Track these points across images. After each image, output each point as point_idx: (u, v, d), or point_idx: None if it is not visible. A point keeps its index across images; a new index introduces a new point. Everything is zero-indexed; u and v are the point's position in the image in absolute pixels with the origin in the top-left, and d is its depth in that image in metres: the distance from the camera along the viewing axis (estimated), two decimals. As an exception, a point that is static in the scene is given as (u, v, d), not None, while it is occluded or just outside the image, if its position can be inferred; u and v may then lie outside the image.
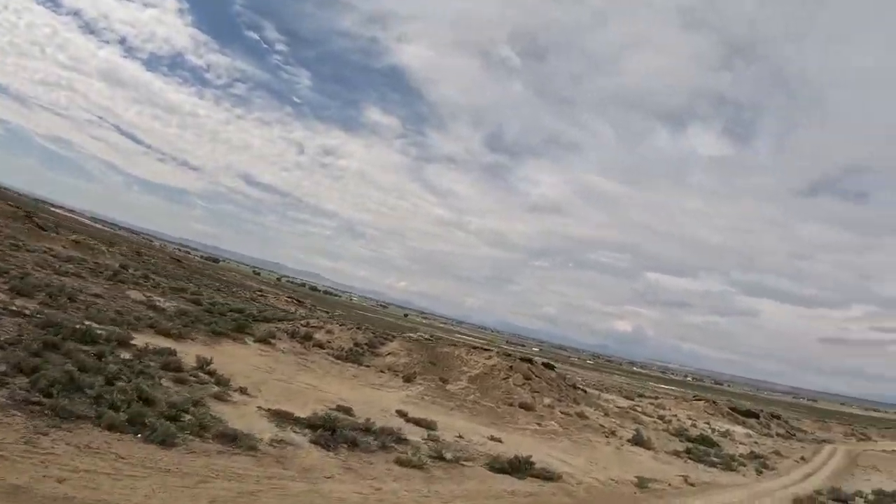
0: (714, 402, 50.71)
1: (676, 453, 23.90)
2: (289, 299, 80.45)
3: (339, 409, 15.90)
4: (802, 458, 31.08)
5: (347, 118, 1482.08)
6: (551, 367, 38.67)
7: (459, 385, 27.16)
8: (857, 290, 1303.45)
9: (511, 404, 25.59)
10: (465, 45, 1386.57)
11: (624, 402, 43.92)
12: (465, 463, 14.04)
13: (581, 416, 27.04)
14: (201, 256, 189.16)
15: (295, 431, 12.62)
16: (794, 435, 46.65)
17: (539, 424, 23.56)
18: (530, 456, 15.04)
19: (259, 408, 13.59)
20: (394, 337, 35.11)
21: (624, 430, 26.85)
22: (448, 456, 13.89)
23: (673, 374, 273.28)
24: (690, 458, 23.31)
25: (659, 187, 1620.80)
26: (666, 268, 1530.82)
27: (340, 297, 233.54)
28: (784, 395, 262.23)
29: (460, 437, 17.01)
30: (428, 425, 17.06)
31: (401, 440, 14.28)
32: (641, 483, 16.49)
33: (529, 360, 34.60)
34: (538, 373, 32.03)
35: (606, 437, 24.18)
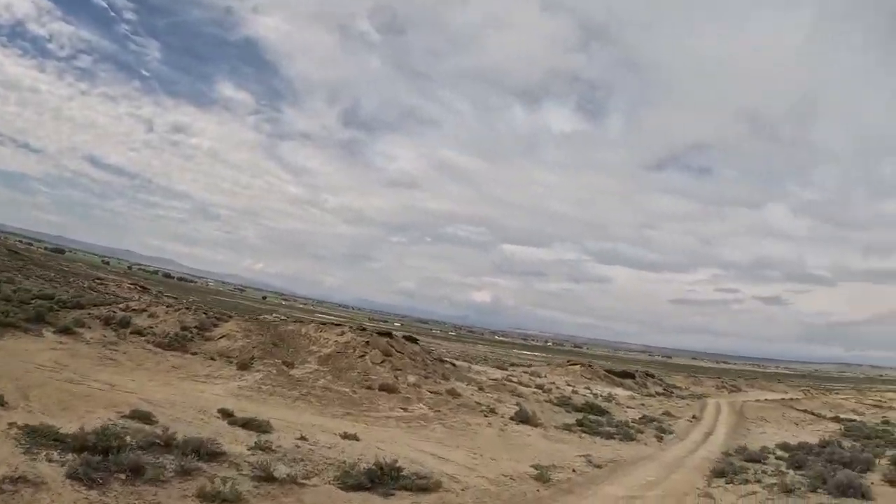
0: (590, 366, 51.35)
1: (567, 427, 22.46)
2: (132, 286, 78.69)
3: (135, 415, 12.43)
4: (694, 417, 31.91)
5: (199, 93, 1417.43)
6: (414, 341, 36.79)
7: (307, 368, 25.56)
8: (701, 256, 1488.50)
9: (370, 387, 23.78)
10: (324, 18, 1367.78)
11: (497, 374, 42.78)
12: (305, 481, 10.36)
13: (453, 393, 25.09)
14: (45, 248, 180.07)
15: (51, 459, 8.93)
16: (673, 392, 48.78)
17: (405, 409, 21.15)
18: (396, 460, 11.65)
19: (11, 424, 9.95)
20: (230, 317, 30.92)
21: (504, 405, 25.09)
22: (281, 473, 10.17)
23: (534, 340, 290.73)
24: (585, 432, 22.01)
25: (514, 162, 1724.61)
26: (522, 239, 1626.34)
27: (196, 282, 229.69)
28: (639, 353, 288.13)
29: (303, 438, 13.65)
30: (259, 427, 13.92)
31: (215, 455, 10.68)
32: (541, 474, 13.88)
33: (388, 335, 32.26)
34: (399, 347, 30.16)
35: (486, 416, 22.36)
